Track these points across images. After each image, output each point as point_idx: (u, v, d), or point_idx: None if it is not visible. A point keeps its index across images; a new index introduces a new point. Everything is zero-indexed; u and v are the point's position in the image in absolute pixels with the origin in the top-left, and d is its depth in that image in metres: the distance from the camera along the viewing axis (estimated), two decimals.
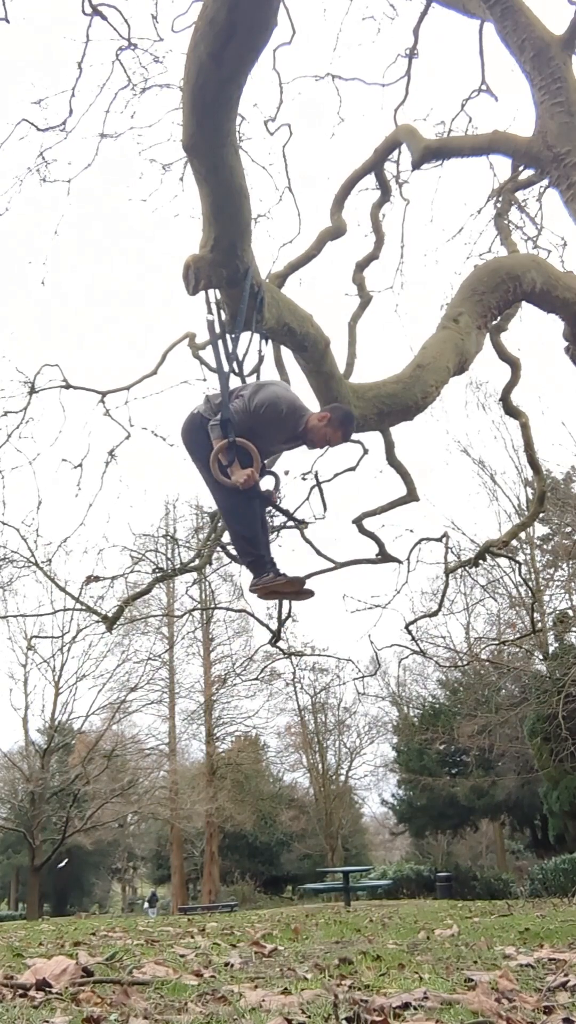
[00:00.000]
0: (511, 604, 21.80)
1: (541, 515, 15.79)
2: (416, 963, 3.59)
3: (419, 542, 8.53)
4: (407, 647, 11.57)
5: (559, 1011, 2.34)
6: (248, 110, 7.69)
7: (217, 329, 3.62)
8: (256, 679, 25.92)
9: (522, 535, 18.63)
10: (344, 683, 26.62)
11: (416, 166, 5.71)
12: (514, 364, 7.00)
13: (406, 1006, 2.33)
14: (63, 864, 26.90)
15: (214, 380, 3.68)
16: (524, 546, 20.71)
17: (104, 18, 6.83)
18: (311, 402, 4.53)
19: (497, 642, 20.32)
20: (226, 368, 3.56)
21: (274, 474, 3.78)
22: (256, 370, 3.73)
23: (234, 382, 3.63)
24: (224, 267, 3.46)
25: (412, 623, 10.59)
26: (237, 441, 3.34)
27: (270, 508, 3.90)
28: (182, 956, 4.05)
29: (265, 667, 22.52)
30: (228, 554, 9.02)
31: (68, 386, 7.64)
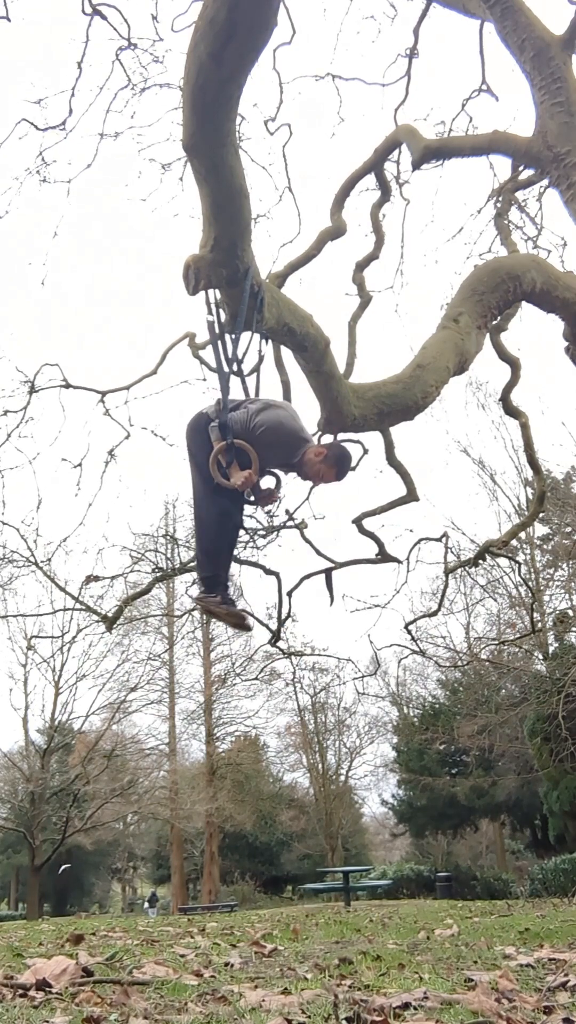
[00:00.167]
0: (511, 604, 21.81)
1: (541, 515, 15.80)
2: (416, 963, 3.59)
3: (419, 542, 8.54)
4: (407, 647, 11.59)
5: (559, 1011, 2.34)
6: (248, 110, 7.70)
7: (217, 329, 3.61)
8: (256, 679, 25.93)
9: (522, 535, 18.64)
10: (344, 683, 26.65)
11: (416, 166, 5.70)
12: (514, 364, 7.00)
13: (406, 1006, 2.33)
14: (62, 870, 26.93)
15: (214, 380, 3.67)
16: (524, 546, 20.72)
17: (104, 18, 6.84)
18: (311, 403, 4.53)
19: (497, 642, 20.32)
20: (226, 368, 3.56)
21: (275, 474, 3.78)
22: (256, 370, 3.72)
23: (234, 383, 3.63)
24: (224, 267, 3.46)
25: (412, 623, 10.59)
26: (236, 443, 3.34)
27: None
28: (182, 956, 4.05)
29: (265, 667, 22.52)
30: None
31: (68, 386, 7.64)
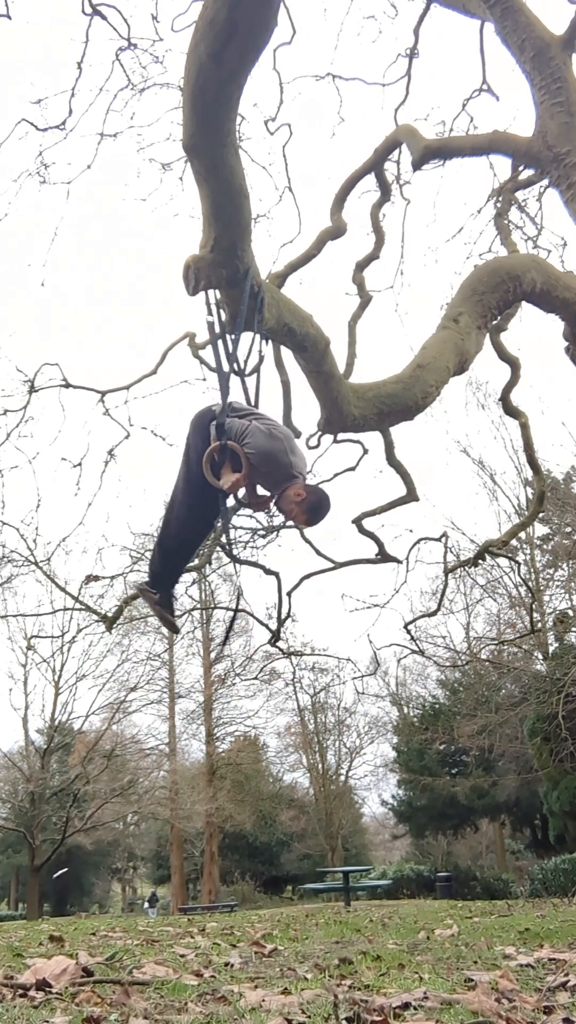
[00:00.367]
0: (511, 604, 21.81)
1: (541, 515, 15.80)
2: (416, 963, 3.59)
3: (418, 542, 8.54)
4: (406, 647, 11.59)
5: (559, 1011, 2.34)
6: (248, 110, 7.70)
7: (217, 329, 3.61)
8: (256, 679, 25.94)
9: (522, 535, 18.64)
10: (344, 683, 26.65)
11: (416, 166, 5.70)
12: (514, 364, 7.00)
13: (406, 1006, 2.33)
14: (58, 874, 26.91)
15: (214, 380, 3.66)
16: (524, 546, 20.72)
17: (104, 18, 6.84)
18: (311, 403, 4.53)
19: (497, 642, 20.32)
20: (226, 369, 3.55)
21: None
22: (256, 370, 3.71)
23: (235, 383, 3.63)
24: (224, 267, 3.46)
25: (411, 623, 10.59)
26: (230, 445, 3.33)
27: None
28: (182, 956, 4.05)
29: (265, 667, 22.53)
30: (228, 554, 8.99)
31: (68, 385, 7.64)
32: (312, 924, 7.34)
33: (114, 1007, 2.36)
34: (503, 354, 6.93)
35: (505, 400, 7.20)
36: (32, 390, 7.62)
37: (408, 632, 10.43)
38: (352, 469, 7.59)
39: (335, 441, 6.36)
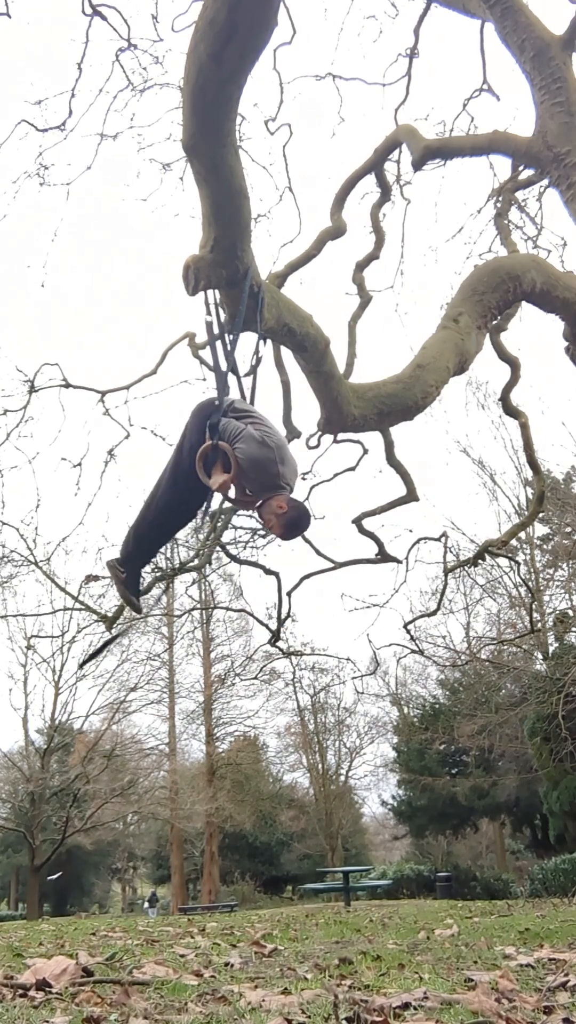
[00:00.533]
0: (511, 604, 21.80)
1: (541, 515, 15.80)
2: (416, 963, 3.59)
3: (418, 541, 8.54)
4: (406, 646, 11.59)
5: (559, 1011, 2.34)
6: (249, 110, 7.70)
7: (216, 330, 3.61)
8: (255, 679, 25.92)
9: (522, 535, 18.64)
10: (344, 682, 26.65)
11: (416, 166, 5.70)
12: (514, 364, 7.00)
13: (406, 1006, 2.33)
14: (54, 876, 26.89)
15: (214, 380, 3.65)
16: (524, 546, 20.71)
17: (104, 18, 6.83)
18: (311, 403, 4.53)
19: (497, 641, 20.32)
20: (224, 369, 3.55)
21: None
22: (253, 371, 3.71)
23: (233, 384, 3.62)
24: (224, 267, 3.46)
25: (411, 622, 10.59)
26: (220, 445, 3.31)
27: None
28: (182, 956, 4.05)
29: (264, 667, 22.52)
30: (228, 554, 9.03)
31: (68, 385, 7.64)
32: (312, 924, 7.34)
33: (114, 1007, 2.36)
34: (503, 354, 6.94)
35: (505, 400, 7.20)
36: (32, 390, 7.62)
37: (408, 632, 10.44)
38: (352, 469, 7.59)
39: (335, 441, 6.37)
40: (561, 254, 7.83)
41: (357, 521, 7.66)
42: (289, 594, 8.73)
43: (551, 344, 5.71)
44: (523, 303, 5.46)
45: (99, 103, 7.84)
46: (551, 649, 20.11)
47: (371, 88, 8.03)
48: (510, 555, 13.05)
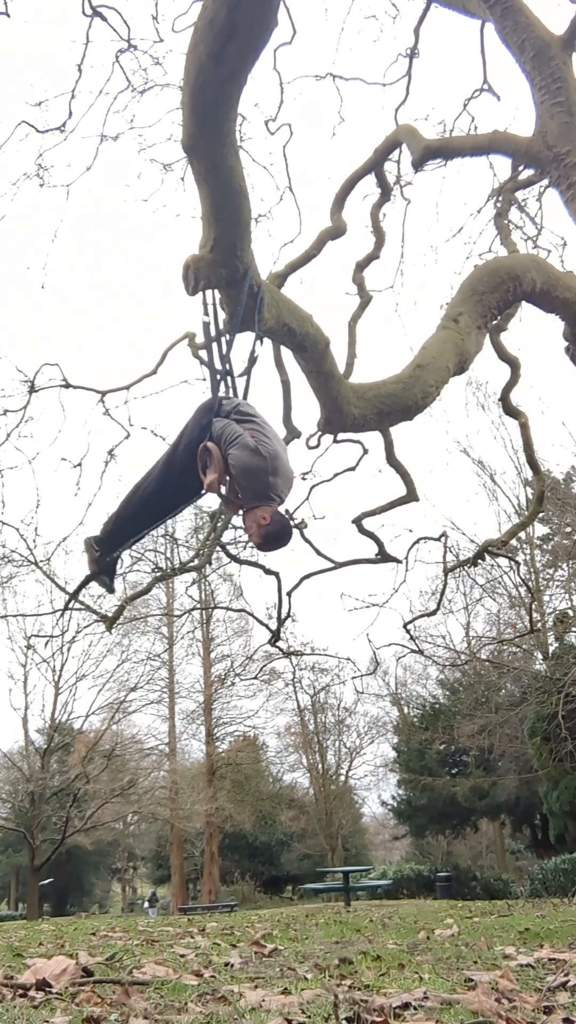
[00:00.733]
0: (511, 604, 21.81)
1: (541, 515, 15.80)
2: (416, 963, 3.60)
3: (417, 541, 8.54)
4: (406, 646, 11.59)
5: (559, 1011, 2.34)
6: (249, 110, 7.69)
7: (212, 331, 3.61)
8: (255, 679, 25.93)
9: (522, 535, 18.65)
10: (344, 682, 26.66)
11: (416, 166, 5.70)
12: (514, 364, 7.00)
13: (406, 1006, 2.33)
14: (46, 882, 26.88)
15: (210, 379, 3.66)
16: (524, 546, 20.72)
17: (104, 19, 6.83)
18: (311, 403, 4.53)
19: (496, 641, 20.32)
20: (218, 370, 3.56)
21: None
22: (248, 371, 3.70)
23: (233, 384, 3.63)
24: (224, 267, 3.46)
25: (410, 622, 10.59)
26: (210, 447, 3.29)
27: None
28: (182, 956, 4.05)
29: (264, 667, 22.52)
30: (228, 554, 9.03)
31: (68, 385, 7.64)
32: (312, 924, 7.34)
33: (114, 1007, 2.36)
34: (503, 354, 6.93)
35: (505, 400, 7.20)
36: (32, 390, 7.62)
37: (408, 632, 10.44)
38: (352, 469, 7.59)
39: (335, 441, 6.37)
40: (561, 254, 7.83)
41: (357, 521, 7.66)
42: (289, 594, 8.73)
43: (551, 344, 5.72)
44: (523, 303, 5.46)
45: (99, 104, 7.85)
46: (551, 649, 20.11)
47: (371, 88, 8.02)
48: (510, 555, 13.05)
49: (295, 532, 3.58)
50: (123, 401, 7.78)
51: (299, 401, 6.45)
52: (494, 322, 5.65)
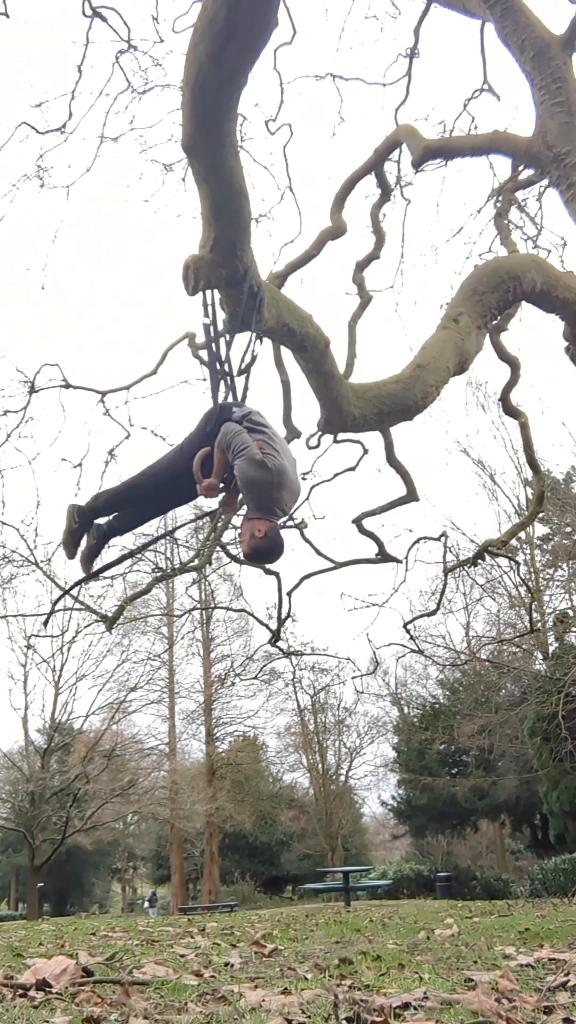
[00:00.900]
0: (511, 604, 21.81)
1: (541, 515, 15.80)
2: (416, 963, 3.59)
3: (417, 541, 8.54)
4: (406, 646, 11.59)
5: (559, 1011, 2.34)
6: (249, 110, 7.70)
7: (212, 332, 3.61)
8: (255, 679, 25.93)
9: (522, 535, 18.65)
10: (344, 682, 26.66)
11: (416, 166, 5.71)
12: (514, 364, 7.00)
13: (406, 1006, 2.33)
14: (40, 885, 26.88)
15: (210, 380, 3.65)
16: (524, 546, 20.72)
17: (104, 20, 6.82)
18: (311, 403, 4.53)
19: (496, 640, 20.32)
20: (219, 370, 3.56)
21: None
22: (247, 371, 3.70)
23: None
24: (224, 267, 3.46)
25: (410, 622, 10.59)
26: (216, 455, 3.30)
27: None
28: (182, 956, 4.05)
29: (264, 667, 22.52)
30: (228, 554, 9.03)
31: (68, 386, 7.64)
32: (312, 924, 7.34)
33: (114, 1007, 2.36)
34: (503, 354, 6.94)
35: (505, 400, 7.20)
36: (32, 391, 7.62)
37: (408, 632, 10.44)
38: (352, 469, 7.59)
39: (335, 441, 6.37)
40: (561, 254, 7.83)
41: (357, 521, 7.66)
42: (289, 594, 8.73)
43: (551, 344, 5.72)
44: (523, 303, 5.46)
45: (99, 105, 7.84)
46: (551, 649, 20.11)
47: (371, 88, 8.04)
48: (510, 555, 13.05)
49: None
50: (123, 401, 7.78)
51: (299, 401, 6.45)
52: (494, 322, 5.66)
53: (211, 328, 3.62)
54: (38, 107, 7.21)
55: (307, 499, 7.83)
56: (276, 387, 6.59)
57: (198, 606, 25.34)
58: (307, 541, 7.92)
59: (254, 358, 3.65)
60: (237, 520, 8.50)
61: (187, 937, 5.60)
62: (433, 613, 11.55)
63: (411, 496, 7.18)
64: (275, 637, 9.63)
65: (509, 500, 22.04)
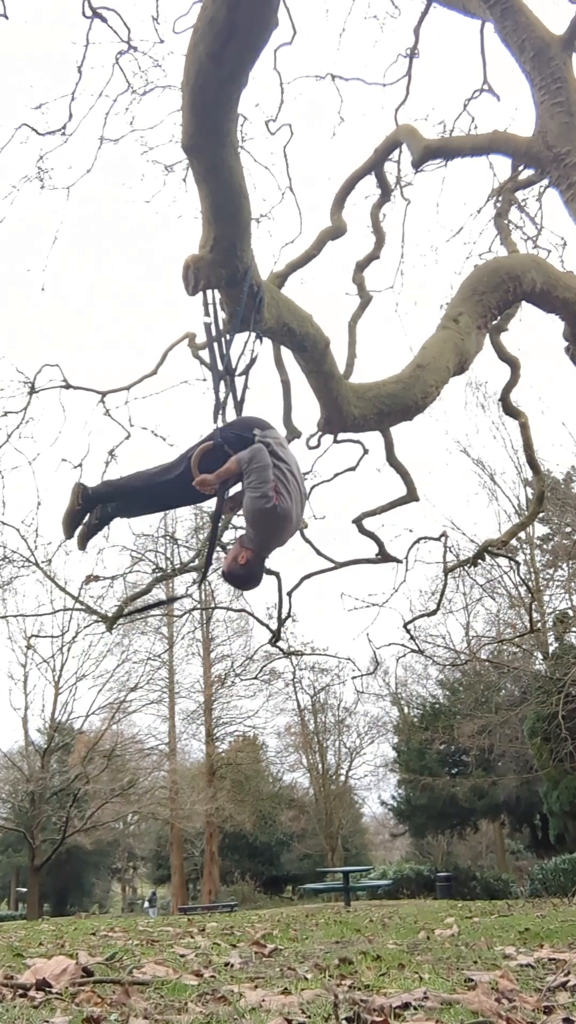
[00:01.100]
0: (511, 604, 21.81)
1: (541, 515, 15.80)
2: (416, 963, 3.59)
3: (418, 541, 8.55)
4: (406, 646, 11.60)
5: (559, 1011, 2.34)
6: (250, 110, 7.70)
7: (214, 332, 3.62)
8: (255, 679, 25.93)
9: (522, 535, 18.65)
10: (344, 682, 26.67)
11: (416, 166, 5.71)
12: (514, 364, 7.00)
13: (406, 1006, 2.33)
14: (23, 893, 26.85)
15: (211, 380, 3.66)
16: (524, 546, 20.72)
17: (104, 20, 6.82)
18: (311, 403, 4.53)
19: (496, 640, 20.32)
20: (221, 372, 3.57)
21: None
22: (247, 371, 3.70)
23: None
24: (224, 267, 3.46)
25: (410, 622, 10.60)
26: (232, 455, 3.31)
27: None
28: (182, 956, 4.05)
29: (264, 667, 22.53)
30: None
31: (68, 386, 7.64)
32: (312, 924, 7.34)
33: (114, 1007, 2.36)
34: (503, 354, 6.94)
35: (505, 400, 7.20)
36: (32, 391, 7.62)
37: (408, 632, 10.45)
38: (352, 469, 7.60)
39: (335, 441, 6.37)
40: (561, 254, 7.84)
41: (357, 521, 7.66)
42: (289, 594, 8.74)
43: (551, 344, 5.72)
44: (523, 303, 5.46)
45: (100, 106, 7.85)
46: (551, 649, 20.11)
47: (371, 88, 8.04)
48: (510, 555, 13.05)
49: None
50: (123, 401, 7.79)
51: (299, 401, 6.45)
52: (494, 322, 5.66)
53: (212, 327, 3.62)
54: (38, 108, 7.22)
55: (307, 499, 7.83)
56: (276, 387, 6.60)
57: (198, 606, 25.32)
58: (307, 541, 7.93)
59: (254, 359, 3.66)
60: (237, 520, 8.51)
61: (187, 937, 5.60)
62: (433, 613, 11.56)
63: (411, 496, 7.19)
64: (275, 637, 9.64)
65: (509, 500, 22.07)
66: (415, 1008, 2.33)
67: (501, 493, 22.07)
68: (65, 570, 26.15)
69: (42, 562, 9.87)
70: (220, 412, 3.50)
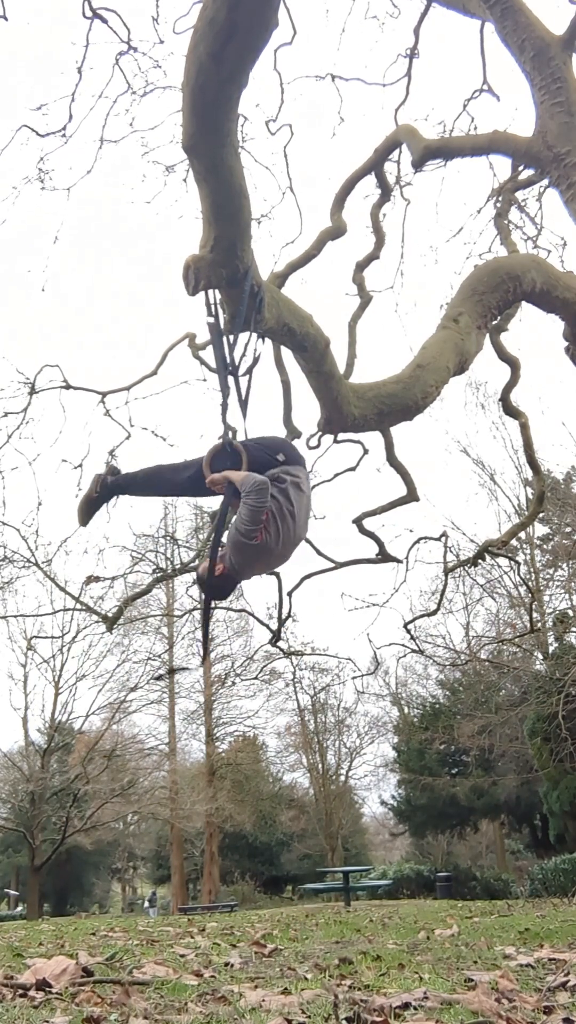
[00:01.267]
0: (511, 604, 21.81)
1: (541, 515, 15.81)
2: (416, 963, 3.60)
3: (418, 541, 8.55)
4: (406, 646, 11.60)
5: (559, 1011, 2.34)
6: (250, 110, 7.70)
7: (216, 332, 3.63)
8: (256, 679, 25.92)
9: (522, 535, 18.65)
10: (344, 682, 26.66)
11: (416, 166, 5.71)
12: (514, 364, 7.00)
13: (406, 1006, 2.33)
14: (12, 894, 26.86)
15: (214, 380, 3.68)
16: (524, 546, 20.72)
17: (104, 21, 6.82)
18: (311, 403, 4.53)
19: (496, 640, 20.31)
20: (226, 370, 3.58)
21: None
22: (249, 371, 3.71)
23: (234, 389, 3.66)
24: (224, 267, 3.46)
25: (411, 622, 10.60)
26: (235, 444, 3.43)
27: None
28: (182, 956, 4.05)
29: (265, 667, 22.52)
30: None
31: (68, 386, 7.64)
32: (312, 924, 7.34)
33: (114, 1007, 2.36)
34: (503, 354, 6.94)
35: (505, 400, 7.20)
36: (33, 392, 7.62)
37: (408, 632, 10.45)
38: (352, 469, 7.59)
39: (335, 441, 6.36)
40: (561, 254, 7.84)
41: (357, 521, 7.66)
42: (290, 594, 8.74)
43: (551, 344, 5.72)
44: (523, 303, 5.46)
45: (100, 107, 7.85)
46: (551, 649, 20.11)
47: (371, 88, 8.04)
48: (510, 555, 13.06)
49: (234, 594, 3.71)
50: (124, 402, 7.78)
51: (299, 401, 6.46)
52: (494, 322, 5.66)
53: (215, 327, 3.63)
54: (38, 110, 7.21)
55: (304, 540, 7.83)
56: (276, 387, 6.60)
57: (198, 606, 25.30)
58: (307, 541, 7.92)
59: (257, 358, 3.67)
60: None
61: (187, 937, 5.60)
62: (433, 613, 11.57)
63: (411, 496, 7.19)
64: (275, 637, 9.64)
65: (509, 500, 22.07)
66: (415, 1008, 2.33)
67: (501, 493, 22.10)
68: (65, 570, 26.10)
69: (42, 562, 9.89)
70: (226, 412, 3.52)
